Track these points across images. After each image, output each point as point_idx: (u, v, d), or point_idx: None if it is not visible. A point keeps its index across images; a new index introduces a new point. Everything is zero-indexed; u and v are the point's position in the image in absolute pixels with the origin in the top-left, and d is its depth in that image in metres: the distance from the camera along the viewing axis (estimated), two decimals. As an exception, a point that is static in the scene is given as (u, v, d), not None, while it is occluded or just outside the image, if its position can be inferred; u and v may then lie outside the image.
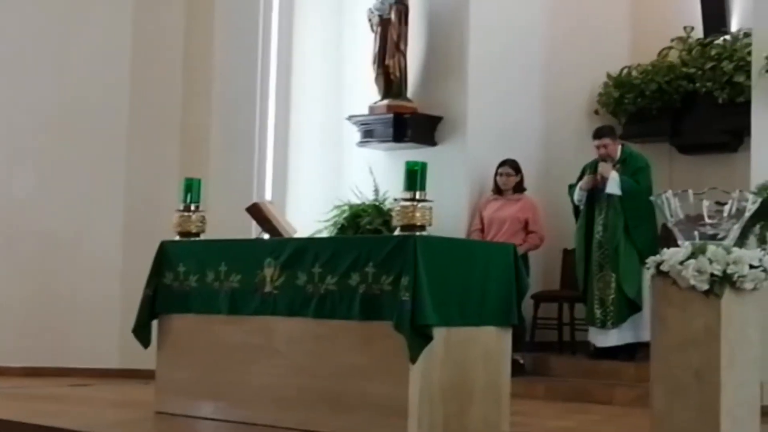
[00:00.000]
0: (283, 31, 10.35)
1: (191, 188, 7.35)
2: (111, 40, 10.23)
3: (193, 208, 7.30)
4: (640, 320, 8.72)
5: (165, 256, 7.23)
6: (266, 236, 7.37)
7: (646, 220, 8.67)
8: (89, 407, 7.65)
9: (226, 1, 10.26)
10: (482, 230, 9.24)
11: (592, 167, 9.01)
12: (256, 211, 7.48)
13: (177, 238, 7.29)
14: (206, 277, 6.95)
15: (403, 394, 5.87)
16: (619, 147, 9.01)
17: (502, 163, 9.29)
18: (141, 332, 7.23)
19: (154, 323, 7.28)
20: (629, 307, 8.72)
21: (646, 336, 8.65)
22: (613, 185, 8.78)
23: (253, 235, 8.37)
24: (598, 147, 8.92)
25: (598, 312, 8.81)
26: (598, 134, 8.99)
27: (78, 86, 10.18)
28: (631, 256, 8.69)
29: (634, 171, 8.84)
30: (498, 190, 9.32)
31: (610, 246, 8.80)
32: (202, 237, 7.32)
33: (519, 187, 9.35)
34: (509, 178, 9.28)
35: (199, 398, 6.91)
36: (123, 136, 10.18)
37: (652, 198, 5.77)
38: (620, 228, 8.78)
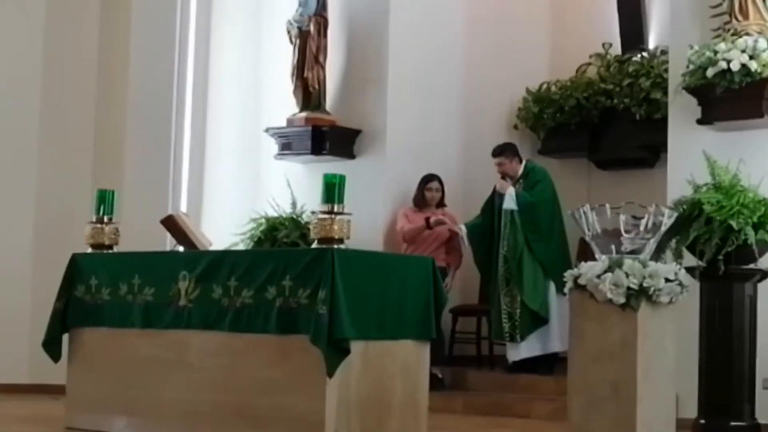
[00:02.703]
0: (200, 42, 10.25)
1: (104, 200, 7.27)
2: (22, 50, 10.05)
3: (106, 219, 7.25)
4: (547, 332, 8.81)
5: (76, 268, 7.13)
6: (181, 249, 7.29)
7: (547, 232, 8.86)
8: (-3, 423, 7.48)
9: (142, 10, 10.13)
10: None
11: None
12: (171, 224, 7.40)
13: (89, 250, 7.18)
14: (119, 290, 6.87)
15: (320, 408, 5.83)
16: (521, 164, 9.13)
17: (432, 178, 9.30)
18: (51, 346, 7.13)
19: (65, 337, 7.14)
20: (534, 319, 8.79)
21: (554, 347, 8.76)
22: (509, 201, 8.96)
23: (168, 248, 8.27)
24: (496, 164, 9.07)
25: (506, 326, 8.87)
26: (494, 153, 9.20)
27: (-12, 96, 9.97)
28: (533, 269, 8.85)
29: (533, 185, 9.01)
30: (420, 204, 9.30)
31: (513, 260, 8.88)
32: (116, 249, 7.24)
33: (441, 202, 9.36)
34: (437, 193, 9.29)
35: (111, 414, 6.81)
36: (34, 146, 9.99)
37: (568, 212, 5.79)
38: (521, 242, 8.92)
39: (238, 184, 10.07)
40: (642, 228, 5.57)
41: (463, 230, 9.07)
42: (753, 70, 7.11)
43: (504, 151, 9.16)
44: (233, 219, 9.44)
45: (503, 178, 9.09)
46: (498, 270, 9.02)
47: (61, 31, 10.13)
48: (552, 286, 8.75)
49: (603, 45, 10.12)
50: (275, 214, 9.30)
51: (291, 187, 9.35)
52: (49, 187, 9.93)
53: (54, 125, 10.03)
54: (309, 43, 9.42)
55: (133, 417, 6.68)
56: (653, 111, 9.24)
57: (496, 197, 9.15)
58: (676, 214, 5.93)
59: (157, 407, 6.56)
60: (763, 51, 7.14)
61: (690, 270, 6.29)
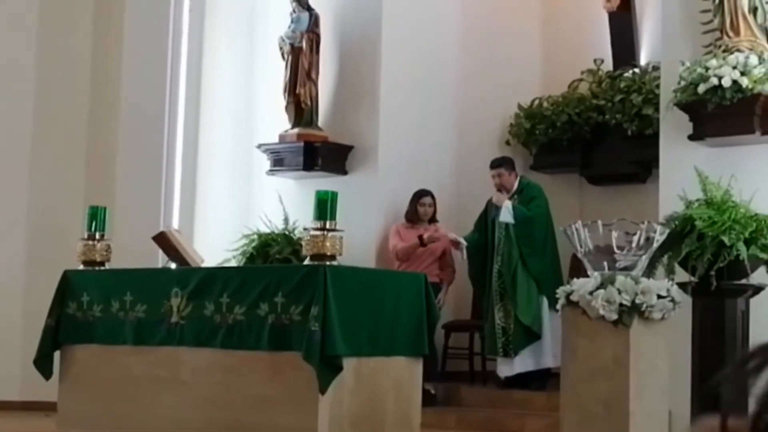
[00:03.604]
0: (192, 57, 10.25)
1: (96, 216, 7.25)
2: (14, 64, 10.02)
3: (98, 236, 7.22)
4: (540, 347, 8.78)
5: (68, 285, 7.10)
6: (173, 265, 7.26)
7: (541, 248, 8.84)
8: (-12, 441, 7.44)
9: (135, 25, 10.13)
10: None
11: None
12: (162, 240, 7.38)
13: (81, 267, 7.16)
14: (111, 306, 6.84)
15: (312, 425, 5.81)
16: (517, 178, 9.12)
17: (425, 193, 9.29)
18: (43, 363, 7.10)
19: (57, 354, 7.11)
20: (527, 334, 8.77)
21: (547, 363, 8.74)
22: (506, 214, 8.92)
23: (160, 265, 8.24)
24: (493, 177, 9.06)
25: (500, 341, 8.85)
26: (493, 164, 9.17)
27: (-21, 110, 9.95)
28: (527, 284, 8.81)
29: (528, 200, 8.99)
30: (412, 220, 9.29)
31: (507, 275, 8.87)
32: (108, 266, 7.21)
33: (433, 218, 9.36)
34: (430, 208, 9.29)
35: (102, 431, 6.75)
36: (26, 162, 9.96)
37: (560, 228, 5.79)
38: (515, 256, 8.89)
39: (230, 200, 10.06)
40: (634, 244, 5.58)
41: (463, 243, 9.03)
42: (744, 86, 7.13)
43: (504, 163, 9.16)
44: (225, 235, 9.43)
45: (499, 191, 9.08)
46: (492, 284, 9.01)
47: (53, 46, 10.12)
48: (545, 302, 8.74)
49: (595, 61, 10.14)
50: (267, 231, 9.29)
51: (283, 203, 9.34)
52: (40, 204, 9.90)
53: (46, 141, 10.00)
54: (301, 60, 9.42)
55: (124, 434, 6.65)
56: (645, 127, 9.25)
57: (490, 211, 9.13)
58: (668, 230, 5.94)
59: (149, 424, 6.53)
60: (754, 67, 7.16)
61: (682, 286, 6.30)
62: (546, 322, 8.74)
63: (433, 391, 8.65)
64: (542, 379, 8.88)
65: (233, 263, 9.05)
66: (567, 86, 10.24)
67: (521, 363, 8.85)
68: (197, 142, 10.24)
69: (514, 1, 10.54)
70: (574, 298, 5.55)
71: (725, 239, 6.32)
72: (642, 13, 10.03)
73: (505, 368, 8.93)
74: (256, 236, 9.29)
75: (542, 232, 8.92)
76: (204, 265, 7.35)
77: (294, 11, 9.51)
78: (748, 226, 6.43)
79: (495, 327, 8.90)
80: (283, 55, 9.54)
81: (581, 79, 10.21)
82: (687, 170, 7.03)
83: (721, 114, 7.26)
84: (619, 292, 5.42)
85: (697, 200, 6.67)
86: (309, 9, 9.46)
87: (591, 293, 5.47)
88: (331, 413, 5.86)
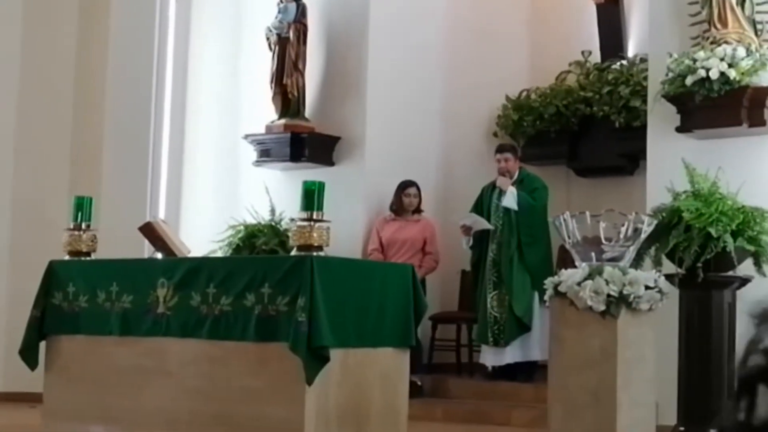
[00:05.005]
0: (178, 48, 10.22)
1: (82, 206, 7.21)
2: (-1, 55, 9.98)
3: (83, 226, 7.17)
4: (528, 340, 8.77)
5: (54, 275, 7.06)
6: (159, 256, 7.23)
7: (539, 239, 8.78)
8: (-27, 432, 7.41)
9: (121, 16, 10.09)
10: (381, 251, 9.20)
11: (490, 188, 9.08)
12: (149, 230, 7.35)
13: (67, 257, 7.12)
14: (97, 297, 6.81)
15: (299, 417, 5.79)
16: (518, 168, 9.07)
17: (410, 184, 9.28)
18: (28, 354, 7.06)
19: (42, 345, 7.08)
20: (519, 326, 8.75)
21: (534, 355, 8.73)
22: (510, 199, 8.85)
23: (146, 255, 8.21)
24: (499, 161, 9.00)
25: (491, 330, 8.82)
26: (502, 149, 9.13)
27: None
28: (522, 275, 8.77)
29: (531, 191, 8.93)
30: (397, 211, 9.29)
31: (503, 263, 8.84)
32: (93, 256, 7.18)
33: (417, 209, 9.35)
34: (415, 199, 9.28)
35: (88, 422, 6.74)
36: (11, 152, 9.91)
37: (549, 219, 5.78)
38: (513, 245, 8.85)
39: (217, 191, 10.03)
40: (622, 235, 5.58)
41: (489, 226, 8.95)
42: (732, 78, 7.13)
43: (511, 149, 9.15)
44: (212, 226, 9.40)
45: (502, 175, 8.99)
46: (486, 273, 8.97)
47: (38, 38, 10.07)
48: (536, 296, 8.71)
49: (582, 53, 10.14)
50: (254, 222, 9.26)
51: (270, 194, 9.31)
52: (26, 194, 9.85)
53: (31, 131, 9.95)
54: (288, 50, 9.39)
55: (110, 425, 6.62)
56: (632, 119, 9.26)
57: (486, 198, 9.04)
58: (655, 222, 5.94)
59: (135, 415, 6.50)
60: (742, 59, 7.16)
61: (669, 277, 6.31)
62: (536, 315, 8.71)
63: (419, 383, 8.64)
64: (529, 371, 8.88)
65: (219, 254, 9.03)
66: (555, 78, 10.24)
67: (512, 354, 8.83)
68: (184, 132, 10.21)
69: (501, -7, 10.53)
70: (562, 288, 5.55)
71: (712, 231, 6.33)
72: (630, 4, 10.04)
73: (493, 357, 8.91)
74: (242, 227, 9.27)
75: (542, 223, 8.87)
76: (190, 255, 7.31)
77: (281, 1, 9.49)
78: (735, 218, 6.43)
79: (487, 315, 8.88)
80: (270, 45, 9.51)
81: (569, 71, 10.21)
82: (674, 162, 7.03)
83: (708, 106, 7.27)
84: (607, 283, 5.42)
85: (685, 192, 6.67)
86: (296, -1, 9.43)
87: (579, 284, 5.47)
88: (318, 404, 5.84)
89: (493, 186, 9.06)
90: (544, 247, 8.83)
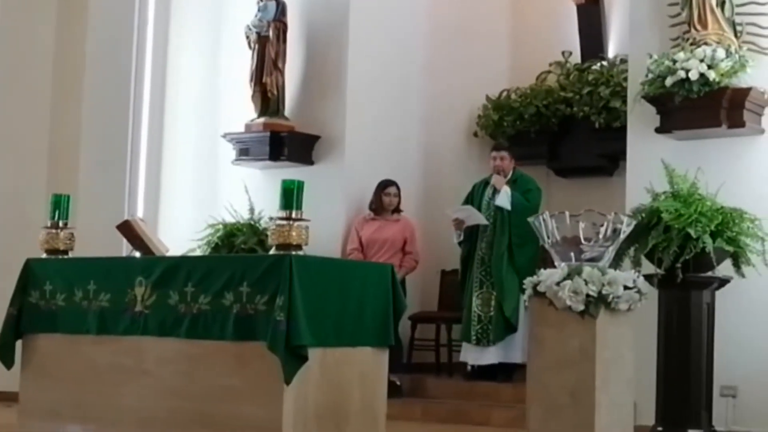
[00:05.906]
0: (157, 46, 10.18)
1: (59, 204, 7.17)
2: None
3: (61, 224, 7.13)
4: (512, 341, 8.74)
5: (31, 274, 7.02)
6: (137, 254, 7.20)
7: (530, 240, 8.68)
8: (-52, 431, 7.37)
9: (100, 13, 10.05)
10: (361, 250, 9.18)
11: (481, 185, 9.07)
12: (127, 229, 7.32)
13: (44, 255, 7.08)
14: (74, 295, 6.77)
15: (277, 416, 5.78)
16: (512, 168, 9.06)
17: (390, 183, 9.28)
18: (4, 352, 7.02)
19: (19, 343, 7.04)
20: (506, 326, 8.73)
21: (516, 357, 8.70)
22: (504, 198, 8.83)
23: (124, 254, 8.18)
24: (494, 158, 8.99)
25: (474, 329, 8.81)
26: (500, 147, 9.13)
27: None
28: (512, 275, 8.71)
29: (524, 191, 8.91)
30: (377, 210, 9.28)
31: (493, 263, 8.81)
32: (71, 255, 7.14)
33: (397, 208, 9.34)
34: (395, 198, 9.27)
35: (65, 421, 6.71)
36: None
37: (529, 219, 5.78)
38: (504, 245, 8.81)
39: (196, 189, 10.00)
40: (601, 236, 5.58)
41: (486, 222, 8.93)
42: (711, 79, 7.15)
43: (509, 147, 9.14)
44: (190, 225, 9.38)
45: (497, 173, 8.95)
46: (473, 270, 8.95)
47: (15, 35, 10.01)
48: (522, 298, 8.65)
49: (563, 53, 10.15)
50: (233, 220, 9.24)
51: (249, 193, 9.29)
52: (3, 192, 9.80)
53: (8, 129, 9.90)
54: (268, 49, 9.38)
55: (87, 424, 6.59)
56: (612, 119, 9.28)
57: (477, 195, 9.02)
58: (634, 222, 5.94)
59: (113, 414, 6.47)
60: (722, 61, 7.18)
61: (648, 278, 6.32)
62: (522, 317, 8.65)
63: (398, 383, 8.64)
64: (508, 371, 8.87)
65: (198, 253, 9.00)
66: (535, 78, 10.25)
67: (497, 354, 8.81)
68: (162, 130, 10.17)
69: (482, -7, 10.53)
70: (541, 288, 5.55)
71: (691, 232, 6.34)
72: (610, 5, 10.07)
73: (474, 356, 8.90)
74: (221, 226, 9.25)
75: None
76: (169, 254, 7.28)
77: (261, 0, 9.46)
78: (714, 218, 6.44)
79: (471, 314, 8.86)
80: (249, 43, 9.49)
81: (549, 71, 10.23)
82: (654, 163, 7.04)
83: (688, 107, 7.28)
84: (586, 282, 5.42)
85: (664, 193, 6.68)
86: (276, -3, 9.41)
87: (558, 284, 5.47)
88: (296, 404, 5.83)
89: (485, 183, 9.05)
90: (534, 249, 8.78)
